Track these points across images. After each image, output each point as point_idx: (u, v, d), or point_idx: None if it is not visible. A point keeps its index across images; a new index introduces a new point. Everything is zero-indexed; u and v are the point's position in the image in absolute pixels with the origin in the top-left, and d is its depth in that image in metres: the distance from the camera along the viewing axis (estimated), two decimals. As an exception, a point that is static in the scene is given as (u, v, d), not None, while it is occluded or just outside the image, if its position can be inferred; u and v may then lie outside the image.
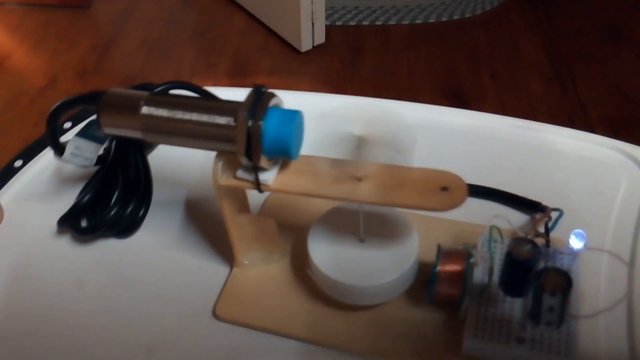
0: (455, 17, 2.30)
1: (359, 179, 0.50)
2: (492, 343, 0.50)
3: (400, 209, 0.56)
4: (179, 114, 0.50)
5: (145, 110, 0.52)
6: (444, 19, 2.30)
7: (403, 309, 0.55)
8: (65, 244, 0.62)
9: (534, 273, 0.48)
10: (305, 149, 0.51)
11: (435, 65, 2.12)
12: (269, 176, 0.50)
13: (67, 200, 0.64)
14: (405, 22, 2.30)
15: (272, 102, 0.49)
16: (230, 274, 0.58)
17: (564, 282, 0.46)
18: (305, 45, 2.17)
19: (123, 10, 2.45)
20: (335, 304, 0.55)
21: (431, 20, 2.30)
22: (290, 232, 0.59)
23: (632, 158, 0.67)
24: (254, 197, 0.57)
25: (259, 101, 0.48)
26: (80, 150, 0.62)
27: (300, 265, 0.57)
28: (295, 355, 0.53)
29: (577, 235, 0.54)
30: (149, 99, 0.52)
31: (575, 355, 0.49)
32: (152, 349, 0.54)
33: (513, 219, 0.59)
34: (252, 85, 0.50)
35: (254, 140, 0.48)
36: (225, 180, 0.51)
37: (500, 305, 0.52)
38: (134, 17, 2.42)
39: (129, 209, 0.62)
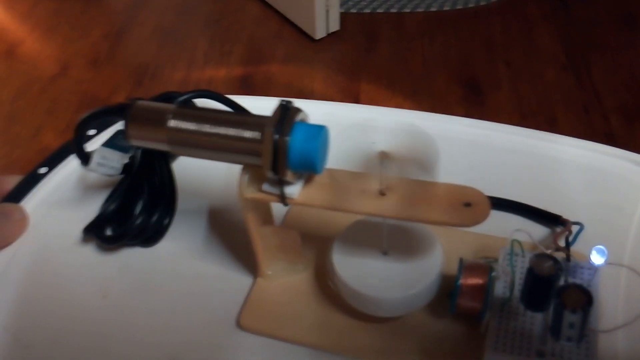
0: (470, 5, 2.30)
1: (383, 194, 0.51)
2: (513, 356, 0.51)
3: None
4: (206, 128, 0.52)
5: (172, 123, 0.53)
6: (459, 7, 2.30)
7: (425, 321, 0.56)
8: (90, 252, 0.63)
9: (555, 289, 0.49)
10: (329, 162, 0.52)
11: (450, 54, 2.12)
12: (294, 190, 0.52)
13: (92, 208, 0.65)
14: (420, 9, 2.30)
15: (299, 117, 0.50)
16: (253, 284, 0.59)
17: (584, 299, 0.47)
18: (320, 33, 2.17)
19: (135, -3, 2.46)
20: (358, 316, 0.56)
21: (446, 8, 2.30)
22: (313, 243, 0.60)
23: None
24: (277, 209, 0.58)
25: (286, 116, 0.49)
26: (106, 160, 0.63)
27: (324, 276, 0.58)
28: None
29: (599, 251, 0.55)
30: (177, 112, 0.53)
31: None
32: (176, 358, 0.55)
33: (533, 232, 0.60)
34: (280, 101, 0.51)
35: (281, 155, 0.49)
36: (251, 193, 0.52)
37: (521, 319, 0.53)
38: (146, 5, 2.43)
39: (154, 218, 0.63)
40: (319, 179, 0.53)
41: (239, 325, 0.57)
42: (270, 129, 0.49)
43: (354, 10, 2.29)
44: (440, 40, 2.17)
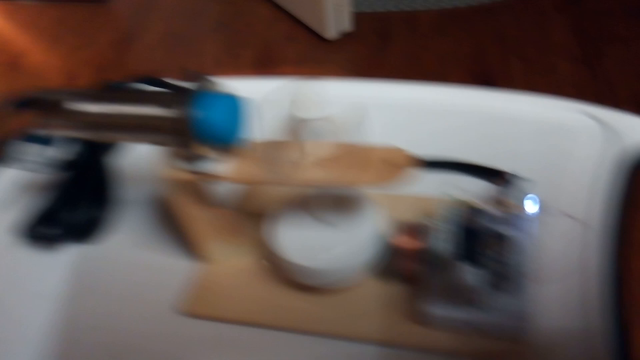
0: (483, 1, 2.29)
1: (311, 162, 0.52)
2: (451, 310, 0.52)
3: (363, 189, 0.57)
4: (111, 108, 0.51)
5: (69, 105, 0.52)
6: (471, 3, 2.29)
7: (369, 286, 0.56)
8: (28, 252, 0.63)
9: (483, 240, 0.49)
10: (256, 136, 0.52)
11: (464, 50, 2.10)
12: (215, 165, 0.52)
13: (27, 208, 0.65)
14: (433, 7, 2.29)
15: (207, 87, 0.50)
16: (197, 270, 0.60)
17: (502, 244, 0.48)
18: (332, 33, 2.15)
19: (143, 3, 2.42)
20: (303, 289, 0.56)
21: (459, 5, 2.29)
22: (262, 222, 0.60)
23: (595, 119, 0.67)
24: (228, 190, 0.59)
25: (192, 88, 0.49)
26: (25, 155, 0.62)
27: (269, 254, 0.58)
28: (265, 342, 0.55)
29: (531, 200, 0.55)
30: (73, 94, 0.52)
31: (531, 316, 0.51)
32: (122, 350, 0.56)
33: (476, 188, 0.60)
34: (183, 71, 0.51)
35: (186, 129, 0.48)
36: (172, 173, 0.52)
37: (459, 274, 0.53)
38: (154, 10, 2.39)
39: (91, 213, 0.63)
40: (242, 152, 0.53)
41: (183, 311, 0.57)
42: (175, 103, 0.48)
43: (366, 9, 2.29)
44: (454, 37, 2.16)
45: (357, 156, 0.51)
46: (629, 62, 1.91)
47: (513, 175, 0.58)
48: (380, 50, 2.10)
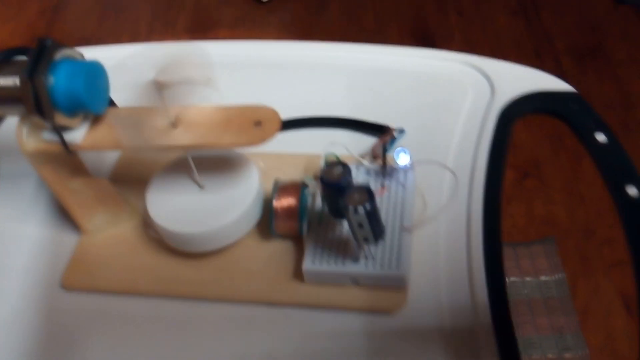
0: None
1: (174, 125, 0.51)
2: (330, 266, 0.52)
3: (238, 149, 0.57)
4: None
5: None
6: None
7: (251, 247, 0.56)
8: None
9: (357, 193, 0.49)
10: (120, 102, 0.52)
11: (402, 7, 2.10)
12: (77, 134, 0.51)
13: None
14: (372, -36, 2.28)
15: (61, 54, 0.48)
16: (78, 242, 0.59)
17: (366, 196, 0.47)
18: (268, -6, 2.15)
19: (71, -31, 2.32)
20: (184, 255, 0.56)
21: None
22: (142, 189, 0.59)
23: (478, 69, 0.68)
24: (106, 159, 0.60)
25: (43, 55, 0.48)
26: None
27: (149, 221, 0.58)
28: (148, 311, 0.55)
29: (402, 152, 0.55)
30: None
31: (408, 266, 0.51)
32: (4, 327, 0.55)
33: (361, 145, 0.61)
34: (37, 38, 0.49)
35: (42, 97, 0.47)
36: (32, 144, 0.51)
37: (337, 230, 0.54)
38: None
39: None
40: (105, 120, 0.52)
41: (63, 285, 0.57)
42: (27, 71, 0.47)
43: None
44: (392, -6, 2.15)
45: (223, 117, 0.51)
46: (565, 14, 1.93)
47: (390, 129, 0.59)
48: (318, 10, 2.09)
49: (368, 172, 0.57)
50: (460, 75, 0.68)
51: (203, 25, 2.07)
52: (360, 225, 0.48)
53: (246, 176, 0.56)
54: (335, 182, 0.49)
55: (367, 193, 0.47)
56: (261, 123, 0.50)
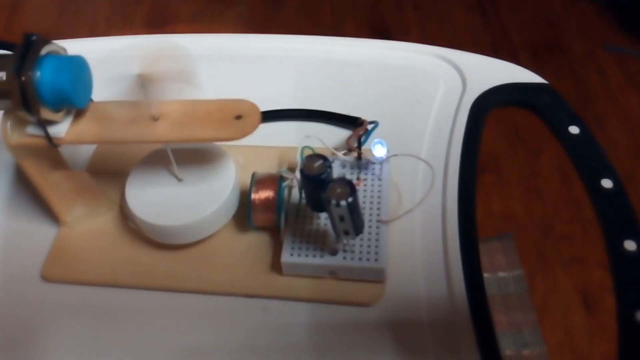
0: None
1: (156, 119, 0.52)
2: (308, 259, 0.54)
3: (217, 143, 0.58)
4: None
5: None
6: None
7: (229, 239, 0.58)
8: None
9: (333, 186, 0.51)
10: (97, 97, 0.53)
11: (358, 2, 2.13)
12: (61, 128, 0.52)
13: None
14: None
15: (46, 49, 0.50)
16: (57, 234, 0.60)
17: (348, 190, 0.49)
18: (225, -11, 2.16)
19: (29, -38, 2.34)
20: (163, 247, 0.58)
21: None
22: (119, 182, 0.61)
23: (450, 62, 0.70)
24: (82, 152, 0.61)
25: (29, 50, 0.49)
26: None
27: (128, 214, 0.59)
28: (127, 303, 0.56)
29: (379, 144, 0.57)
30: None
31: (386, 259, 0.53)
32: None
33: (334, 138, 0.62)
34: (22, 34, 0.50)
35: (28, 92, 0.48)
36: (17, 139, 0.52)
37: (315, 222, 0.56)
38: None
39: None
40: (88, 114, 0.53)
41: (43, 277, 0.58)
42: (13, 65, 0.48)
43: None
44: (348, -12, 2.18)
45: (204, 111, 0.52)
46: (523, 9, 1.97)
47: (364, 121, 0.61)
48: (275, 4, 2.11)
49: (343, 164, 0.59)
50: (432, 68, 0.70)
51: (161, 19, 2.08)
52: (342, 219, 0.50)
53: (223, 169, 0.58)
54: (315, 175, 0.50)
55: (349, 186, 0.49)
56: (242, 117, 0.52)
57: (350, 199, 0.48)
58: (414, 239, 0.56)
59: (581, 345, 1.30)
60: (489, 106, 0.64)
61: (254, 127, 0.51)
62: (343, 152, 0.59)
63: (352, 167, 0.58)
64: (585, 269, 1.41)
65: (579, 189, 1.47)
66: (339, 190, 0.49)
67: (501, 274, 1.38)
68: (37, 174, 0.56)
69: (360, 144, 0.59)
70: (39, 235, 0.60)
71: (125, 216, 0.60)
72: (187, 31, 2.06)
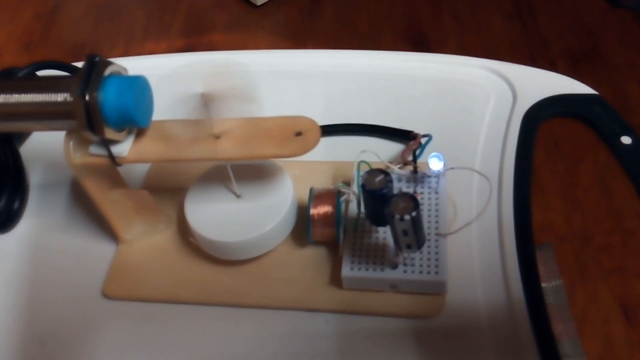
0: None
1: (217, 137, 0.54)
2: (368, 273, 0.55)
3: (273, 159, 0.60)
4: (13, 97, 0.52)
5: None
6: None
7: (288, 254, 0.60)
8: None
9: (392, 200, 0.52)
10: (158, 115, 0.55)
11: (396, 11, 2.14)
12: (123, 147, 0.54)
13: None
14: (365, -33, 2.31)
15: (109, 70, 0.51)
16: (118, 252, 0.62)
17: (412, 205, 0.50)
18: (260, -2, 2.17)
19: (66, -26, 2.39)
20: (223, 263, 0.59)
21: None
22: (175, 198, 0.64)
23: (500, 75, 0.71)
24: (137, 170, 0.63)
25: (93, 71, 0.51)
26: None
27: (186, 230, 0.61)
28: (188, 318, 0.58)
29: (436, 158, 0.59)
30: None
31: (447, 271, 0.54)
32: (44, 339, 0.58)
33: (388, 152, 0.64)
34: (87, 55, 0.52)
35: (94, 113, 0.50)
36: (80, 158, 0.54)
37: (374, 236, 0.57)
38: None
39: (10, 203, 0.65)
40: (149, 132, 0.55)
41: (104, 294, 0.60)
42: (78, 87, 0.50)
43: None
44: (387, -2, 2.19)
45: (264, 129, 0.54)
46: (561, 17, 1.97)
47: (417, 135, 0.62)
48: (312, 13, 2.12)
49: (399, 178, 0.60)
50: (481, 80, 0.71)
51: (197, 28, 2.11)
52: (405, 233, 0.51)
53: (281, 184, 0.59)
54: (377, 189, 0.52)
55: (412, 201, 0.50)
56: (302, 133, 0.53)
57: (414, 213, 0.50)
58: (472, 251, 0.57)
59: (621, 356, 1.30)
60: (541, 118, 0.65)
61: (315, 144, 0.52)
62: (398, 166, 0.61)
63: (408, 181, 0.60)
64: (625, 279, 1.41)
65: (618, 199, 1.48)
66: (402, 205, 0.50)
67: (541, 285, 1.38)
68: (98, 192, 0.57)
69: (415, 158, 0.60)
70: (98, 253, 0.62)
71: (184, 232, 0.62)
72: (223, 40, 2.09)
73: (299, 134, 0.53)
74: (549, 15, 2.03)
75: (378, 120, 0.67)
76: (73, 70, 0.68)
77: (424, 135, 0.63)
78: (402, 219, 0.50)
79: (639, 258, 1.44)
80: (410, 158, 0.61)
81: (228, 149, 0.54)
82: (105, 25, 2.20)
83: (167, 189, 0.63)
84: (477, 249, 0.57)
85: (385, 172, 0.52)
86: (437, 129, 0.64)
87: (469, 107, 0.69)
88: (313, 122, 0.54)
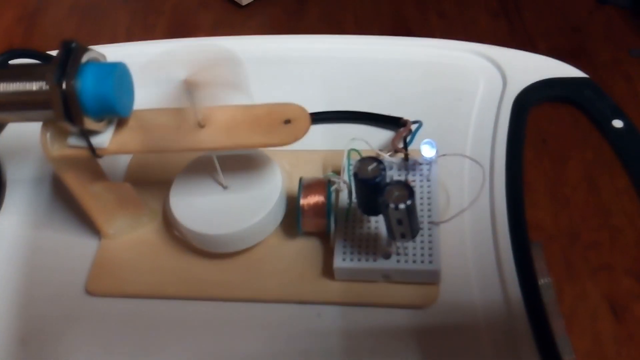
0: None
1: (202, 126, 0.52)
2: (360, 263, 0.53)
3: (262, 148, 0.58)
4: None
5: None
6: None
7: (278, 246, 0.58)
8: None
9: (382, 189, 0.50)
10: (139, 104, 0.52)
11: (382, 10, 2.13)
12: (103, 138, 0.51)
13: None
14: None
15: (87, 57, 0.49)
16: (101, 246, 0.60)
17: (406, 193, 0.48)
18: (245, -1, 2.15)
19: (46, -25, 2.34)
20: (210, 256, 0.57)
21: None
22: (159, 191, 0.61)
23: (488, 58, 0.70)
24: (119, 162, 0.61)
25: (69, 58, 0.48)
26: None
27: (172, 224, 0.59)
28: (175, 314, 0.55)
29: (428, 145, 0.57)
30: None
31: (440, 260, 0.52)
32: (25, 337, 0.56)
33: (378, 139, 0.62)
34: (62, 41, 0.48)
35: (71, 102, 0.47)
36: (58, 150, 0.52)
37: (365, 226, 0.55)
38: None
39: None
40: (131, 122, 0.52)
41: (88, 291, 0.57)
42: (53, 75, 0.47)
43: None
44: (371, -4, 2.18)
45: (251, 117, 0.52)
46: (547, 15, 1.97)
47: (407, 121, 0.61)
48: (297, 13, 2.11)
49: (390, 166, 0.58)
50: (470, 64, 0.70)
51: (182, 29, 2.09)
52: (400, 222, 0.49)
53: (269, 175, 0.57)
54: (370, 178, 0.50)
55: (407, 189, 0.48)
56: (291, 121, 0.51)
57: (409, 202, 0.48)
58: (464, 239, 0.56)
59: (609, 353, 1.29)
60: (531, 102, 0.64)
61: (305, 131, 0.50)
62: (389, 153, 0.59)
63: (399, 169, 0.58)
64: (613, 276, 1.40)
65: (606, 196, 1.47)
66: (397, 194, 0.48)
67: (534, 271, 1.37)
68: (78, 185, 0.55)
69: (406, 145, 0.59)
70: (80, 249, 0.60)
71: (169, 226, 0.59)
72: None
73: (287, 121, 0.51)
74: (536, 13, 2.03)
75: (365, 107, 0.65)
76: (48, 58, 0.64)
77: (414, 122, 0.61)
78: (396, 208, 0.48)
79: (626, 255, 1.44)
80: (401, 145, 0.59)
81: (213, 138, 0.51)
82: (88, 27, 2.17)
83: (150, 181, 0.61)
84: (470, 238, 0.56)
85: (377, 160, 0.51)
86: (426, 115, 0.62)
87: (458, 92, 0.67)
88: (302, 109, 0.52)
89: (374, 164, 0.50)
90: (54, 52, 0.64)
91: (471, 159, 0.59)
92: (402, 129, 0.61)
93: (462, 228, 0.56)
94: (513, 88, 0.66)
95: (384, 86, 0.69)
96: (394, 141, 0.60)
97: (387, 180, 0.50)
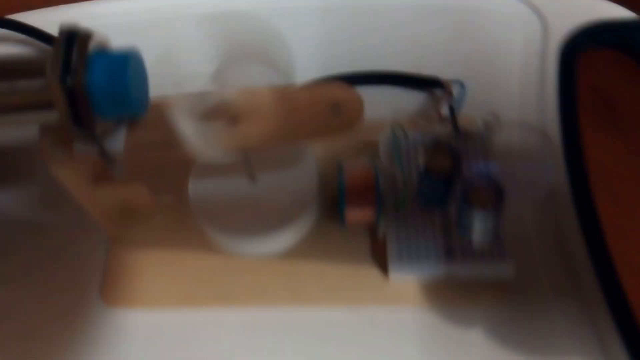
0: None
1: (234, 118, 0.42)
2: (420, 260, 0.46)
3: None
4: None
5: None
6: None
7: (316, 243, 0.50)
8: None
9: (455, 183, 0.44)
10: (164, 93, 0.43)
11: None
12: (115, 141, 0.42)
13: None
14: None
15: (93, 44, 0.38)
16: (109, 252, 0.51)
17: (495, 195, 0.42)
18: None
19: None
20: (239, 259, 0.49)
21: None
22: (173, 181, 0.51)
23: (524, 0, 0.61)
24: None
25: (74, 47, 0.37)
26: None
27: (189, 221, 0.50)
28: (206, 324, 0.48)
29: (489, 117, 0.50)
30: None
31: (511, 254, 0.46)
32: (46, 347, 0.48)
33: (412, 103, 0.54)
34: (60, 28, 0.38)
35: (80, 102, 0.37)
36: (62, 158, 0.42)
37: (419, 217, 0.48)
38: None
39: None
40: (146, 122, 0.43)
41: (107, 302, 0.49)
42: (56, 70, 0.36)
43: None
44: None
45: (290, 103, 0.43)
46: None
47: (447, 83, 0.53)
48: None
49: (443, 140, 0.50)
50: (503, 9, 0.60)
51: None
52: (484, 226, 0.43)
53: (302, 163, 0.49)
54: (445, 176, 0.43)
55: (495, 189, 0.42)
56: (339, 106, 0.43)
57: (499, 209, 0.41)
58: (526, 227, 0.49)
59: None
60: (578, 49, 0.56)
61: (359, 118, 0.42)
62: (437, 124, 0.51)
63: (454, 143, 0.50)
64: None
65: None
66: (484, 196, 0.42)
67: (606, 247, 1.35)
68: (83, 191, 0.46)
69: (453, 112, 0.51)
70: (90, 254, 0.52)
71: (185, 225, 0.51)
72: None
73: (335, 107, 0.43)
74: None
75: (387, 66, 0.56)
76: (32, 31, 0.53)
77: (454, 82, 0.53)
78: (484, 211, 0.41)
79: None
80: (447, 113, 0.51)
81: (250, 136, 0.42)
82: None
83: (151, 176, 0.50)
84: (532, 221, 0.49)
85: (451, 151, 0.43)
86: (460, 73, 0.54)
87: (493, 45, 0.58)
88: (350, 90, 0.43)
89: (449, 160, 0.43)
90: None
91: (538, 129, 0.52)
92: (442, 92, 0.53)
93: (522, 213, 0.49)
94: (555, 35, 0.57)
95: (405, 40, 0.59)
96: (438, 108, 0.52)
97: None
